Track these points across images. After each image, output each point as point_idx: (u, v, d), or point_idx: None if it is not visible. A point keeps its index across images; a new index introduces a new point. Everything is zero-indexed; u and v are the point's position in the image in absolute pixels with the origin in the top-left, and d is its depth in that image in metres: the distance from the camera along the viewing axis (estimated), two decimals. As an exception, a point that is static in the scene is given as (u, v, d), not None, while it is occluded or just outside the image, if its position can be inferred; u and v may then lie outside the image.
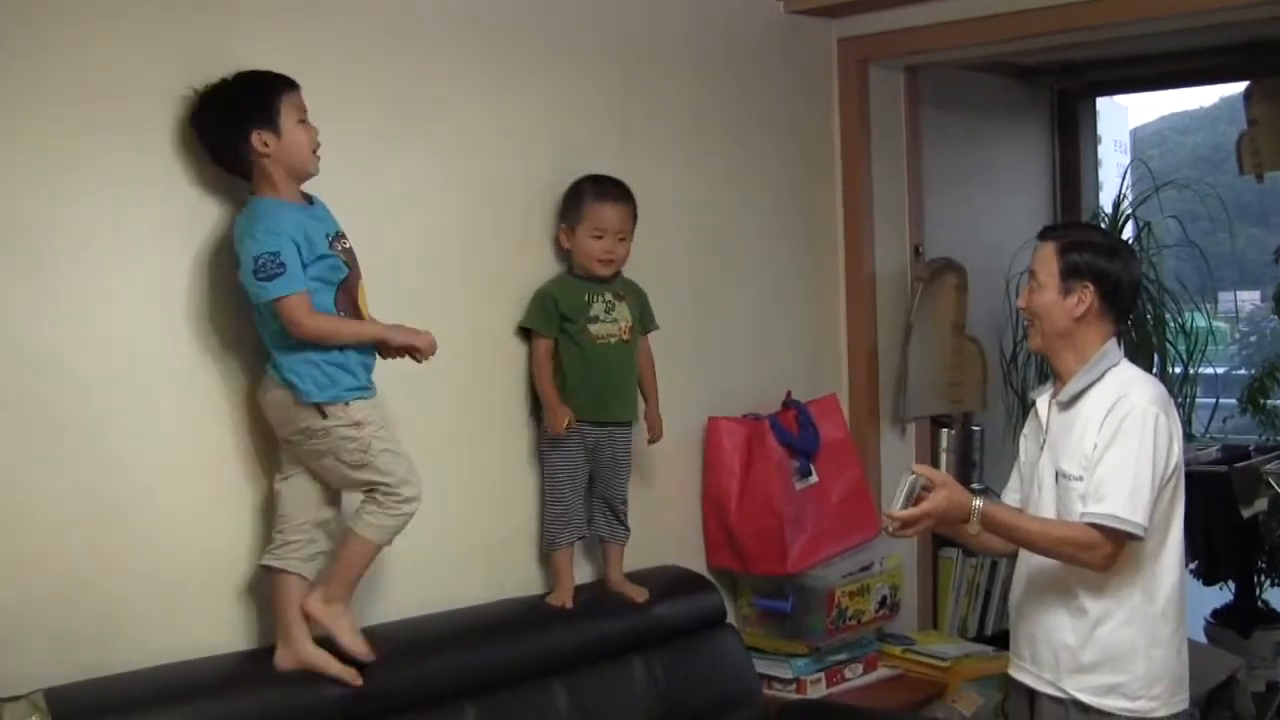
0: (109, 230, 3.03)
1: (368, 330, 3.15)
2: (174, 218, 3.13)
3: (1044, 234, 3.40)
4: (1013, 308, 5.58)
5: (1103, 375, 3.26)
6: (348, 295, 3.12)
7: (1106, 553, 3.11)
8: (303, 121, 3.08)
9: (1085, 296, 3.26)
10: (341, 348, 3.08)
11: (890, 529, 3.14)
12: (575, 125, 4.05)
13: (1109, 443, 3.15)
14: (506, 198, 3.85)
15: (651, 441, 4.03)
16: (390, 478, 3.13)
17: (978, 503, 3.13)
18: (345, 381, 3.10)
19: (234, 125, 3.04)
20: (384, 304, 3.27)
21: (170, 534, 3.13)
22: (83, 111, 2.97)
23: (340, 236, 3.14)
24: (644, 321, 3.97)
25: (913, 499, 3.12)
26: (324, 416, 3.09)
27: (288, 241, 2.98)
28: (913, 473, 3.13)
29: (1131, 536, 3.11)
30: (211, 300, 3.16)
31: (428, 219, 3.66)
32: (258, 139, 3.03)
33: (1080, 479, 3.19)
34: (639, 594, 3.94)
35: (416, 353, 3.19)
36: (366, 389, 3.15)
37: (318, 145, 3.12)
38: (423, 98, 3.64)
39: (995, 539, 3.28)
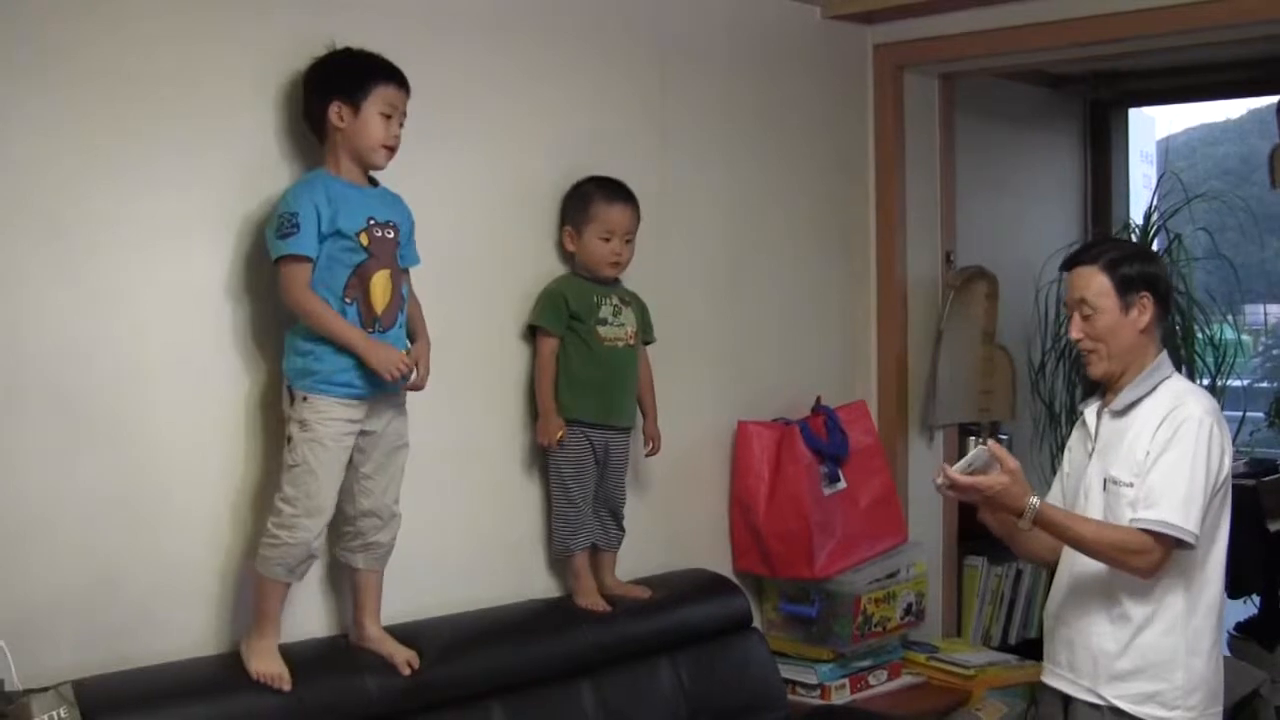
0: (145, 224, 3.05)
1: (345, 332, 3.05)
2: (209, 212, 3.14)
3: (1074, 261, 3.34)
4: (1042, 316, 5.57)
5: (1156, 386, 3.26)
6: (360, 280, 3.09)
7: (1155, 559, 3.11)
8: (388, 116, 3.12)
9: (1145, 305, 3.24)
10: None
11: (939, 481, 3.15)
12: (612, 127, 4.06)
13: (1163, 450, 3.15)
14: (536, 198, 3.85)
15: (650, 454, 4.01)
16: (285, 501, 3.06)
17: (1034, 500, 3.11)
18: (318, 372, 3.06)
19: (321, 89, 3.14)
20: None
21: (201, 528, 3.15)
22: (119, 108, 3.00)
23: (385, 225, 3.13)
24: (644, 332, 3.95)
25: (972, 469, 3.12)
26: (291, 402, 3.09)
27: (309, 206, 3.02)
28: (984, 443, 3.11)
29: (1181, 544, 3.10)
30: (248, 296, 3.17)
31: (457, 217, 3.67)
32: (335, 110, 3.10)
33: (1131, 485, 3.18)
34: (642, 592, 3.94)
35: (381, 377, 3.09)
36: (341, 387, 3.07)
37: (393, 143, 3.15)
38: (458, 96, 3.65)
39: (1037, 542, 3.29)
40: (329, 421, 3.07)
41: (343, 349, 3.06)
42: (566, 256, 3.87)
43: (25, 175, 2.86)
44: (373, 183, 3.20)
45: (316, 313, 3.04)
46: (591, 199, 3.81)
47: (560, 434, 3.72)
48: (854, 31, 4.90)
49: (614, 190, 3.84)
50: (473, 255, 3.71)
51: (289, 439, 3.07)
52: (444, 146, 3.60)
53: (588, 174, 3.87)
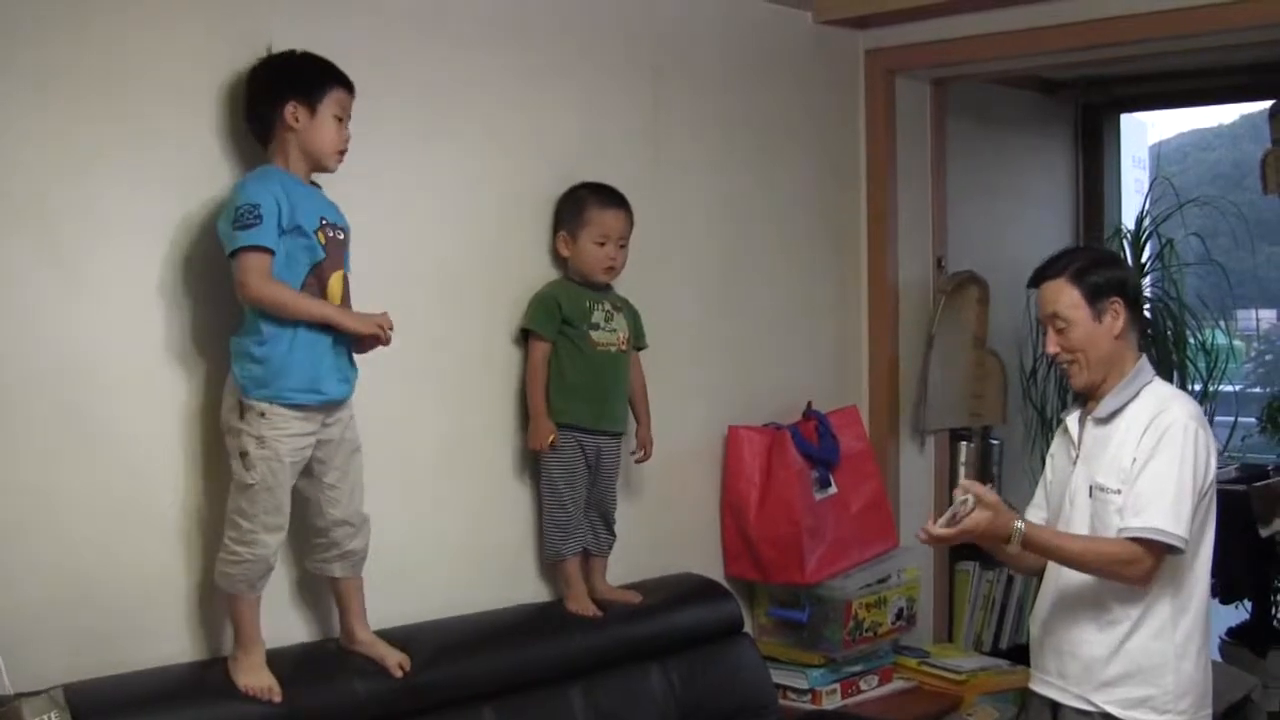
0: (128, 227, 3.03)
1: (318, 308, 3.00)
2: (195, 214, 3.12)
3: (1041, 277, 3.35)
4: (1034, 321, 5.56)
5: (1139, 392, 3.26)
6: (318, 279, 3.04)
7: (1148, 567, 3.11)
8: (340, 119, 3.09)
9: (1117, 310, 3.25)
10: (295, 324, 2.98)
11: (921, 538, 3.16)
12: (604, 131, 4.06)
13: (1149, 456, 3.15)
14: (529, 203, 3.85)
15: (641, 461, 4.01)
16: (243, 517, 2.99)
17: (1019, 525, 3.12)
18: (276, 381, 2.98)
19: (276, 89, 3.08)
20: (394, 305, 3.27)
21: (189, 532, 3.14)
22: (115, 108, 3.00)
23: (335, 226, 3.09)
24: (637, 337, 3.95)
25: (956, 516, 3.12)
26: (240, 415, 3.00)
27: (270, 199, 2.95)
28: (965, 492, 3.10)
29: (1172, 549, 3.11)
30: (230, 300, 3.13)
31: (449, 221, 3.67)
32: (291, 110, 3.05)
33: (1118, 492, 3.18)
34: (633, 597, 3.94)
35: (362, 342, 3.08)
36: (303, 394, 3.01)
37: (344, 147, 3.12)
38: (451, 100, 3.65)
39: (1030, 557, 3.27)
40: (287, 437, 2.99)
41: (319, 327, 3.00)
42: (559, 261, 3.87)
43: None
44: (314, 185, 3.15)
45: (284, 299, 2.96)
46: (586, 204, 3.82)
47: (551, 438, 3.72)
48: (846, 36, 4.90)
49: (608, 195, 3.84)
50: (465, 259, 3.70)
51: (244, 454, 2.98)
52: (437, 150, 3.60)
53: (580, 179, 3.87)
